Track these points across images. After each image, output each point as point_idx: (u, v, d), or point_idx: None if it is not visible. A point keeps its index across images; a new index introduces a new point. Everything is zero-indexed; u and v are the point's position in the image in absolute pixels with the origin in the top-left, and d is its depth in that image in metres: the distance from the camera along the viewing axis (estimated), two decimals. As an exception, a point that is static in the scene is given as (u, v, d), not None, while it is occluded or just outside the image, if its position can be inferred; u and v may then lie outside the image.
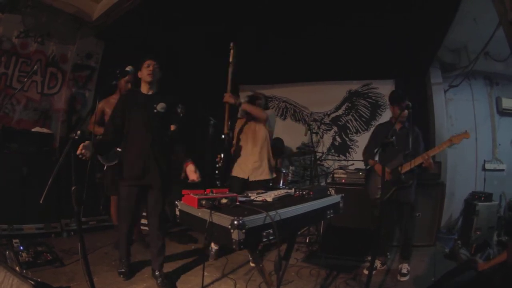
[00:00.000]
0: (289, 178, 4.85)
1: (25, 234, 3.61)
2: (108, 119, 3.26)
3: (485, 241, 3.81)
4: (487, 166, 5.29)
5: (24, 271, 2.60)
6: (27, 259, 2.91)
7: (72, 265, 3.09)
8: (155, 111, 2.81)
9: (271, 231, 1.68)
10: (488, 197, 4.45)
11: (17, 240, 3.11)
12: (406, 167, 3.16)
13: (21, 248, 3.02)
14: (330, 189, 2.51)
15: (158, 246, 2.91)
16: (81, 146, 2.37)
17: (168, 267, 3.15)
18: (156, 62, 2.89)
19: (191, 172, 2.84)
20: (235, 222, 1.51)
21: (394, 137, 3.05)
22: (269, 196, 2.13)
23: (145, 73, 2.84)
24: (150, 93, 2.91)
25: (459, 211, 5.06)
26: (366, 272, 3.30)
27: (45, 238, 3.70)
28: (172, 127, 3.01)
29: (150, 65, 2.85)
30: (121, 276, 2.96)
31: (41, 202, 1.75)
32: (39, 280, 2.16)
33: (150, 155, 2.78)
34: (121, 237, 3.01)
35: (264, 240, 1.67)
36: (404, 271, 3.27)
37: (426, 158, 3.10)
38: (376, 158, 3.44)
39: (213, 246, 3.67)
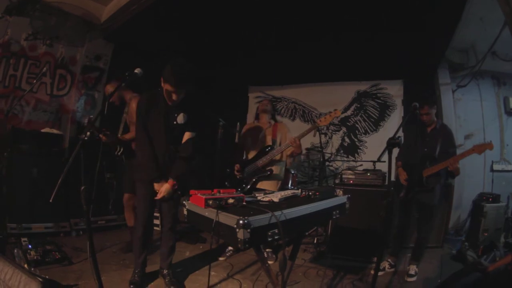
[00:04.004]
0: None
1: (34, 233, 3.65)
2: (135, 130, 2.79)
3: (492, 243, 3.77)
4: (495, 167, 5.25)
5: (32, 269, 2.60)
6: (35, 257, 2.95)
7: (81, 264, 3.12)
8: (175, 122, 2.69)
9: (276, 230, 1.69)
10: (496, 198, 4.40)
11: (25, 239, 3.17)
12: (427, 172, 3.21)
13: (30, 246, 3.07)
14: (337, 190, 2.50)
15: (169, 246, 2.90)
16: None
17: (176, 266, 3.17)
18: None
19: (162, 191, 2.63)
20: (241, 222, 1.53)
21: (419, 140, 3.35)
22: (276, 197, 2.15)
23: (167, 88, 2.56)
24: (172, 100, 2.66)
25: (467, 212, 5.01)
26: (373, 273, 3.29)
27: (54, 237, 3.74)
28: (188, 135, 2.76)
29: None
30: (132, 286, 2.73)
31: (50, 201, 1.77)
32: (47, 277, 2.19)
33: (166, 163, 2.70)
34: (135, 242, 2.84)
35: (269, 239, 1.68)
36: (412, 272, 3.27)
37: (451, 162, 3.09)
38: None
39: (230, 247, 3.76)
